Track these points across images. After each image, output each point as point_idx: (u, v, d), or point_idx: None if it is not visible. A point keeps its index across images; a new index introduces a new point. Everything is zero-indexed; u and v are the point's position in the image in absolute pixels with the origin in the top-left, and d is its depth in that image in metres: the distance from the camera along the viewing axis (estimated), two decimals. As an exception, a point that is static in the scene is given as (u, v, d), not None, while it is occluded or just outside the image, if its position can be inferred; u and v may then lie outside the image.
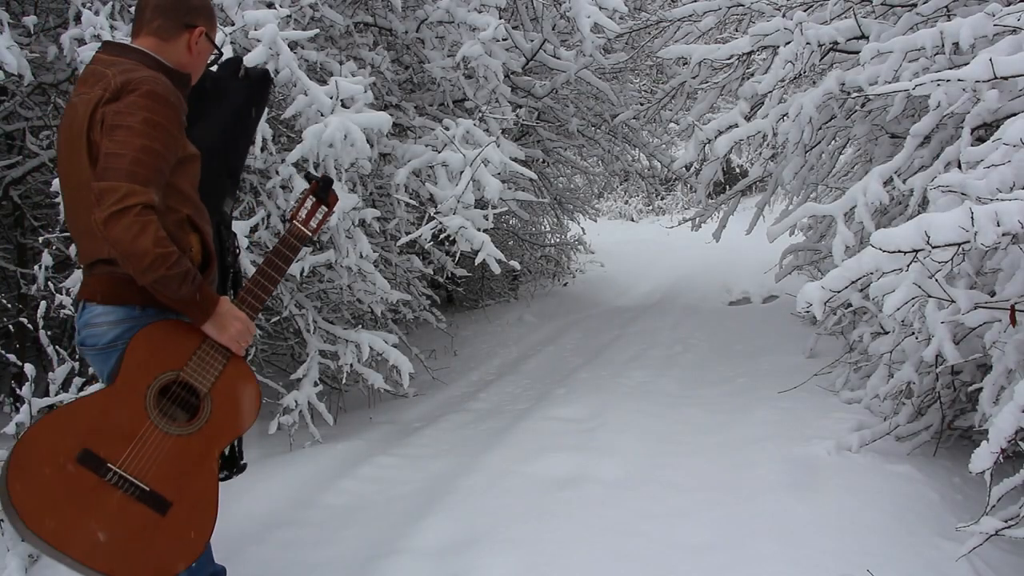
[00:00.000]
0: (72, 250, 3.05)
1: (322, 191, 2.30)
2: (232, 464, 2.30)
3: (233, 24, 3.20)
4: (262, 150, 3.33)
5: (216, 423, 1.99)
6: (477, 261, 3.46)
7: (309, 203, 2.29)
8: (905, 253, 2.02)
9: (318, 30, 3.58)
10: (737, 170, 14.97)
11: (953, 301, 2.41)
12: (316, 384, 3.94)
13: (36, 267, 3.08)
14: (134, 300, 1.95)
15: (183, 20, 2.06)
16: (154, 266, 1.79)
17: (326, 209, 2.31)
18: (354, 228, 3.62)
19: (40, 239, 3.24)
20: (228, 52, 3.06)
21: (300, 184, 3.35)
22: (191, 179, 2.03)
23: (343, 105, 3.27)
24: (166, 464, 1.91)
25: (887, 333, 3.51)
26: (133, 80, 1.88)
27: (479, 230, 3.52)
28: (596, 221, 11.45)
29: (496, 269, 3.50)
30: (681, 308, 8.02)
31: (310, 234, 2.25)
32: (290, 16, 3.50)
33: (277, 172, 3.49)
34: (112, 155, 1.82)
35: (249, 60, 3.11)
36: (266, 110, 3.22)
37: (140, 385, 1.92)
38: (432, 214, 3.56)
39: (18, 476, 1.78)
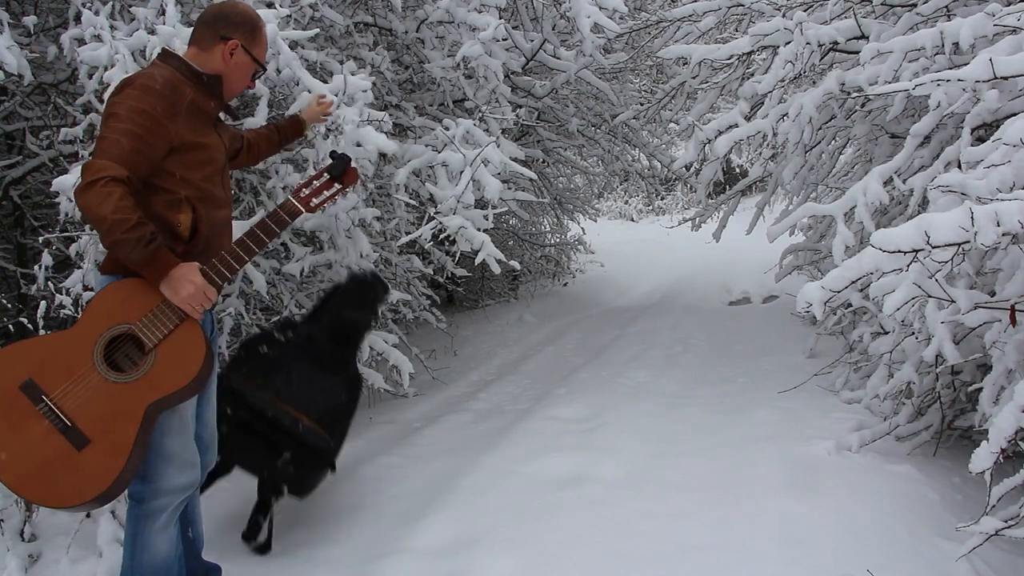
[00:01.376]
0: (72, 249, 3.07)
1: (336, 167, 2.36)
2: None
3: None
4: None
5: (153, 377, 2.09)
6: (477, 261, 3.46)
7: (319, 181, 2.35)
8: (905, 253, 2.02)
9: (318, 30, 3.57)
10: (737, 170, 14.97)
11: (953, 301, 2.41)
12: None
13: (36, 267, 3.08)
14: (118, 270, 2.15)
15: (219, 32, 2.28)
16: (111, 230, 1.96)
17: (339, 186, 2.36)
18: (354, 228, 3.62)
19: (40, 239, 3.24)
20: None
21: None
22: (192, 167, 2.19)
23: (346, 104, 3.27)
24: (95, 406, 2.05)
25: (887, 333, 3.51)
26: (132, 78, 2.13)
27: (479, 230, 3.52)
28: (596, 221, 11.45)
29: (496, 269, 3.50)
30: (681, 308, 8.02)
31: (303, 210, 2.32)
32: (290, 16, 3.50)
33: (276, 172, 3.49)
34: (101, 139, 2.05)
35: None
36: (267, 110, 3.22)
37: (93, 332, 2.08)
38: (432, 214, 3.55)
39: None
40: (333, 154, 2.42)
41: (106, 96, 2.14)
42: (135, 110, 2.05)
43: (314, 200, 2.35)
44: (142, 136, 2.05)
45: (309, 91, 3.17)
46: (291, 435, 2.75)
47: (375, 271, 3.31)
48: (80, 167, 1.99)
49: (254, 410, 2.75)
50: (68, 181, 2.87)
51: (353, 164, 2.45)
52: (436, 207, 3.61)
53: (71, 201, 2.86)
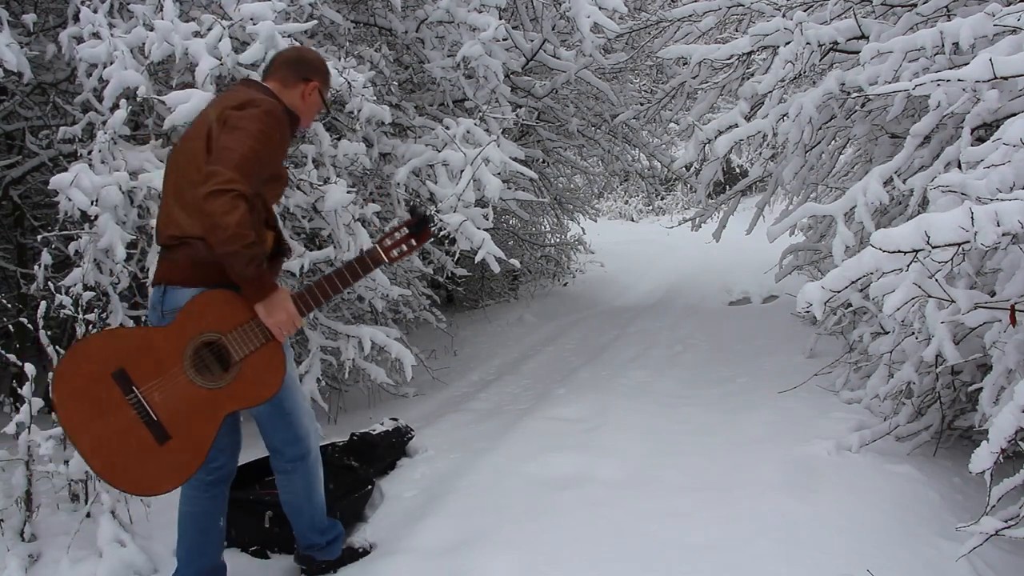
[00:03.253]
0: (71, 248, 3.07)
1: (417, 227, 2.51)
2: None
3: (231, 19, 3.20)
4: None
5: (235, 388, 2.25)
6: (477, 259, 3.46)
7: (400, 233, 2.50)
8: (905, 253, 2.02)
9: (315, 21, 3.57)
10: (737, 170, 14.97)
11: (953, 301, 2.41)
12: (319, 380, 3.94)
13: (36, 266, 3.08)
14: (212, 280, 2.26)
15: (302, 73, 2.49)
16: (231, 240, 2.09)
17: (414, 244, 2.52)
18: (354, 223, 3.62)
19: (39, 237, 3.24)
20: (226, 45, 3.08)
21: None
22: (275, 194, 2.43)
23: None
24: (180, 405, 2.20)
25: (887, 333, 3.51)
26: (257, 99, 2.30)
27: (479, 229, 3.52)
28: (596, 221, 11.44)
29: (496, 267, 3.50)
30: (681, 308, 8.02)
31: (386, 260, 2.49)
32: (289, 15, 3.50)
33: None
34: (227, 148, 2.16)
35: (246, 57, 3.12)
36: None
37: (186, 334, 2.22)
38: (432, 212, 3.56)
39: (66, 366, 2.14)
40: (414, 210, 2.55)
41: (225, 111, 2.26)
42: (264, 133, 2.21)
43: (394, 252, 2.49)
44: (263, 159, 2.21)
45: None
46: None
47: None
48: (208, 171, 2.13)
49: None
50: (66, 179, 2.87)
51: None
52: (437, 206, 3.61)
53: (70, 200, 2.86)
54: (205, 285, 2.26)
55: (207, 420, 2.23)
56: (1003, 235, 1.89)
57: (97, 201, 2.92)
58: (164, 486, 2.22)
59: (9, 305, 3.54)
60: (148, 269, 3.21)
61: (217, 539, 2.51)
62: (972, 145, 2.61)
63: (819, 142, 4.73)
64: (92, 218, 2.96)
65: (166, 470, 2.20)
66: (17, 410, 2.66)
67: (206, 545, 2.48)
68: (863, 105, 4.04)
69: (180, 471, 2.22)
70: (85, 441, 2.16)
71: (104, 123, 3.09)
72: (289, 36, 3.22)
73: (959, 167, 2.73)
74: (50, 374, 2.24)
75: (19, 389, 2.72)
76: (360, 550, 2.77)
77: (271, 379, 2.29)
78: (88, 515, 2.70)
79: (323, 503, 2.65)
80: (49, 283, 3.11)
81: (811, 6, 4.28)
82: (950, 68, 2.77)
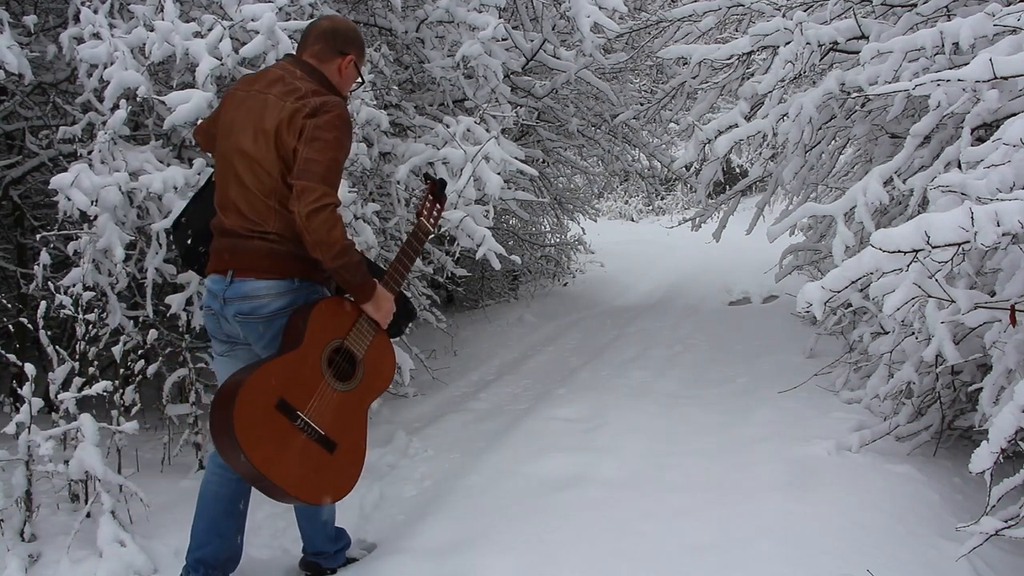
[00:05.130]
0: (70, 248, 3.08)
1: (439, 191, 2.75)
2: None
3: (231, 19, 3.20)
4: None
5: (367, 383, 2.49)
6: (478, 256, 3.46)
7: (429, 202, 2.74)
8: (905, 253, 2.02)
9: (315, 19, 3.57)
10: (737, 170, 14.97)
11: (953, 301, 2.41)
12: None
13: (35, 266, 3.09)
14: (294, 273, 2.38)
15: (339, 47, 2.49)
16: (342, 254, 2.26)
17: (440, 208, 2.77)
18: (355, 221, 3.62)
19: (39, 237, 3.24)
20: (227, 46, 3.07)
21: None
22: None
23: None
24: (335, 414, 2.40)
25: (887, 333, 3.51)
26: (328, 103, 2.33)
27: (479, 226, 3.52)
28: (596, 221, 11.43)
29: (496, 264, 3.50)
30: (681, 308, 8.02)
31: (432, 229, 2.73)
32: (289, 15, 3.50)
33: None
34: (311, 160, 2.25)
35: (247, 50, 3.12)
36: None
37: (317, 349, 2.38)
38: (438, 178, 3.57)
39: (240, 416, 2.25)
40: (428, 177, 2.81)
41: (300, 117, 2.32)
42: (339, 140, 2.30)
43: (431, 220, 2.75)
44: (343, 165, 2.36)
45: None
46: None
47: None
48: (299, 187, 2.23)
49: None
50: (67, 180, 2.87)
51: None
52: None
53: (70, 200, 2.86)
54: (284, 277, 2.37)
55: (357, 417, 2.48)
56: (1003, 235, 1.89)
57: (97, 201, 2.92)
58: (347, 487, 2.48)
59: (9, 305, 3.54)
60: (147, 270, 3.21)
61: (237, 522, 2.55)
62: (972, 145, 2.61)
63: (819, 142, 4.73)
64: (92, 218, 2.96)
65: (343, 472, 2.45)
66: (17, 410, 2.66)
67: (227, 527, 2.52)
68: (863, 105, 4.04)
69: (355, 468, 2.48)
70: (280, 474, 2.30)
71: (104, 123, 3.09)
72: (290, 36, 3.22)
73: (959, 167, 2.73)
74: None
75: (19, 389, 2.71)
76: (358, 559, 2.79)
77: (389, 363, 2.57)
78: (88, 515, 2.70)
79: (335, 512, 2.69)
80: (49, 283, 3.11)
81: (811, 6, 4.28)
82: (950, 68, 2.77)
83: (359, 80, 2.63)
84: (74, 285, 3.00)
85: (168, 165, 3.22)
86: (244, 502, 2.57)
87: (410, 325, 3.32)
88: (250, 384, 2.29)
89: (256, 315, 2.38)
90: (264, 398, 2.29)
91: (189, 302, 3.33)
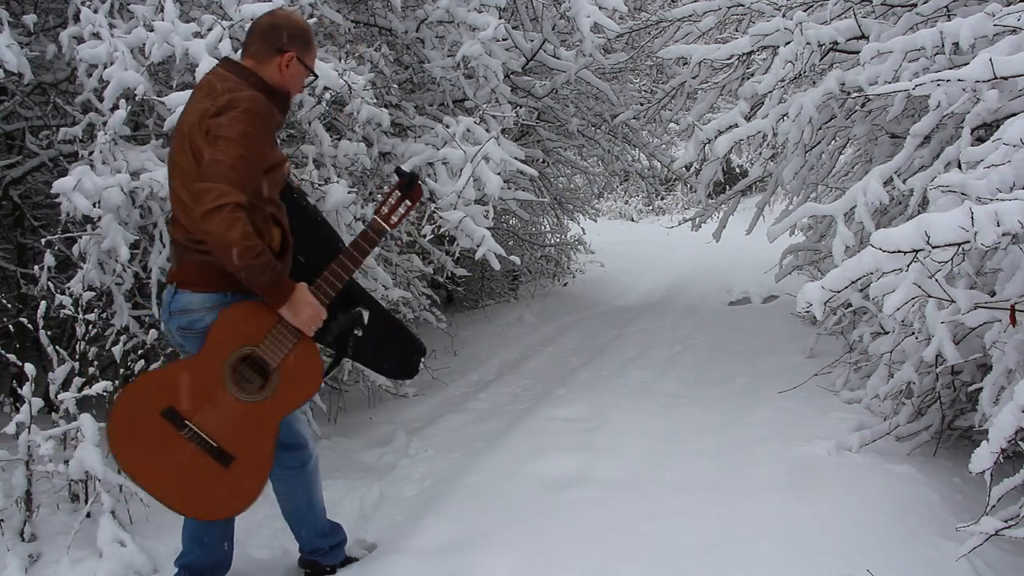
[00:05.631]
0: (75, 250, 3.08)
1: (407, 187, 2.50)
2: None
3: (231, 20, 3.20)
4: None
5: (281, 394, 2.31)
6: (478, 256, 3.46)
7: (394, 198, 2.50)
8: (905, 253, 2.02)
9: (315, 19, 3.58)
10: (737, 170, 14.96)
11: (953, 301, 2.41)
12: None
13: (36, 267, 3.09)
14: (226, 287, 2.27)
15: (277, 45, 2.36)
16: (242, 255, 2.11)
17: (409, 204, 2.52)
18: (355, 223, 3.62)
19: (43, 240, 3.24)
20: (227, 46, 3.07)
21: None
22: (275, 184, 2.34)
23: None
24: (234, 425, 2.27)
25: (887, 333, 3.51)
26: (235, 99, 2.21)
27: (479, 226, 3.52)
28: (596, 221, 11.42)
29: (496, 265, 3.50)
30: (681, 308, 8.02)
31: (388, 228, 2.48)
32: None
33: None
34: (213, 161, 2.15)
35: None
36: None
37: (220, 356, 2.26)
38: (432, 210, 3.56)
39: (118, 419, 2.21)
40: (400, 171, 2.54)
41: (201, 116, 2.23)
42: (246, 135, 2.17)
43: (393, 217, 2.50)
44: (252, 161, 2.19)
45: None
46: None
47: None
48: (198, 189, 2.14)
49: None
50: (69, 183, 2.87)
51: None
52: (436, 203, 3.61)
53: (71, 202, 2.86)
54: (216, 291, 2.28)
55: (264, 431, 2.31)
56: (1003, 235, 1.89)
57: (99, 203, 2.92)
58: (243, 503, 2.33)
59: (9, 305, 3.54)
60: (151, 269, 3.22)
61: (220, 530, 2.52)
62: (972, 145, 2.61)
63: (819, 142, 4.73)
64: (95, 219, 2.96)
65: (240, 488, 2.30)
66: (17, 410, 2.66)
67: (208, 535, 2.49)
68: (863, 105, 4.04)
69: (255, 484, 2.32)
70: (155, 484, 2.25)
71: (104, 124, 3.09)
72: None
73: (959, 167, 2.73)
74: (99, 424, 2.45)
75: (19, 389, 2.71)
76: (359, 558, 2.77)
77: (312, 374, 2.35)
78: (88, 515, 2.70)
79: (324, 508, 2.65)
80: (50, 284, 3.11)
81: (811, 6, 4.28)
82: (950, 68, 2.77)
83: (310, 76, 2.50)
84: (76, 285, 3.00)
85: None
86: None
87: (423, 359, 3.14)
88: (133, 388, 2.27)
89: (192, 329, 2.32)
90: (147, 404, 2.22)
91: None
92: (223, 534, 2.53)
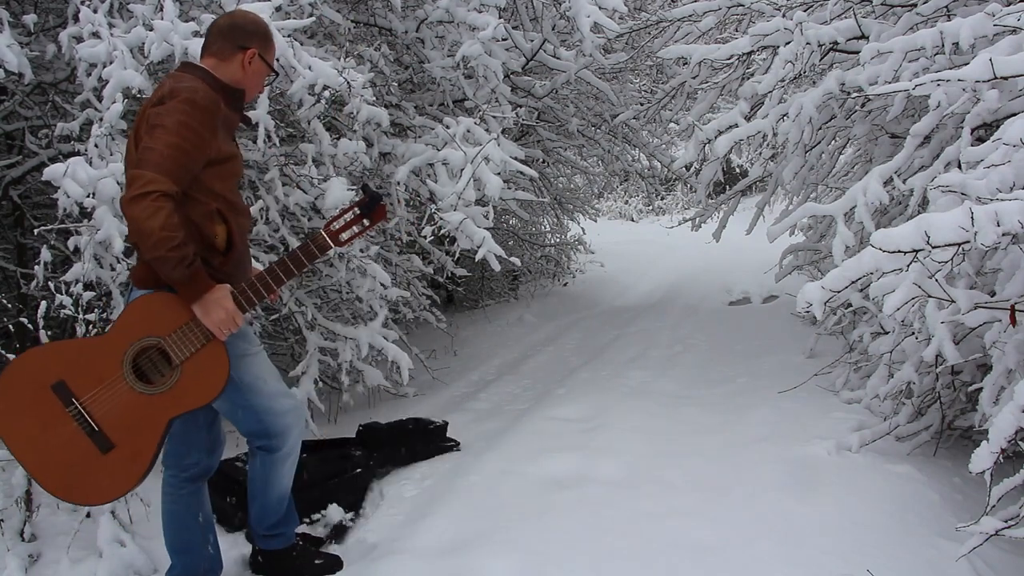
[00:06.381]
0: (71, 243, 3.10)
1: (368, 206, 2.41)
2: None
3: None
4: (266, 142, 3.34)
5: (177, 392, 2.22)
6: (478, 257, 3.46)
7: (351, 215, 2.40)
8: (905, 253, 2.02)
9: (313, 18, 3.58)
10: (737, 170, 14.96)
11: (953, 301, 2.41)
12: (316, 382, 3.94)
13: (35, 265, 3.09)
14: (150, 284, 2.25)
15: (237, 42, 2.36)
16: (156, 246, 2.05)
17: (366, 224, 2.42)
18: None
19: (36, 231, 3.24)
20: None
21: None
22: (223, 178, 2.30)
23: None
24: (121, 413, 2.19)
25: (887, 333, 3.51)
26: (176, 89, 2.19)
27: (479, 227, 3.52)
28: (596, 221, 11.43)
29: (496, 266, 3.50)
30: (681, 308, 8.02)
31: (333, 245, 2.39)
32: (288, 14, 3.50)
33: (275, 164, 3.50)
34: (146, 148, 2.11)
35: None
36: (268, 103, 3.24)
37: (125, 341, 2.20)
38: (433, 211, 3.56)
39: (4, 383, 2.16)
40: (365, 188, 2.46)
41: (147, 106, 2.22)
42: (182, 124, 2.13)
43: (343, 235, 2.41)
44: (188, 151, 2.14)
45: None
46: None
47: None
48: (129, 176, 2.11)
49: None
50: (60, 170, 2.88)
51: (384, 203, 2.49)
52: (436, 204, 3.61)
53: (68, 196, 2.87)
54: (144, 287, 2.26)
55: (150, 426, 2.21)
56: (1003, 235, 1.89)
57: (94, 194, 2.92)
58: (110, 494, 2.23)
59: (9, 305, 3.54)
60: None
61: (200, 536, 2.50)
62: (972, 145, 2.61)
63: (819, 142, 4.73)
64: (90, 211, 2.96)
65: (112, 479, 2.20)
66: (17, 410, 2.65)
67: (188, 542, 2.48)
68: (863, 105, 4.04)
69: (126, 479, 2.21)
70: (30, 456, 2.17)
71: (101, 119, 3.09)
72: (289, 35, 3.22)
73: (959, 167, 2.73)
74: None
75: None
76: (325, 563, 2.72)
77: (214, 379, 2.24)
78: (88, 515, 2.70)
79: (282, 498, 2.61)
80: (49, 282, 3.11)
81: (811, 6, 4.28)
82: (950, 68, 2.77)
83: (271, 74, 2.49)
84: (75, 284, 3.00)
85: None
86: (203, 514, 2.52)
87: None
88: (29, 355, 2.21)
89: None
90: (41, 373, 2.17)
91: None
92: (204, 538, 2.51)
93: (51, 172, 2.88)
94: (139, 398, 2.20)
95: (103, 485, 2.20)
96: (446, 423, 3.90)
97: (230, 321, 2.23)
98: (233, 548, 2.91)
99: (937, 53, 3.06)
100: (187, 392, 2.22)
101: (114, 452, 2.19)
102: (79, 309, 2.97)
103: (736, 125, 4.04)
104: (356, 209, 2.41)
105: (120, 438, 2.19)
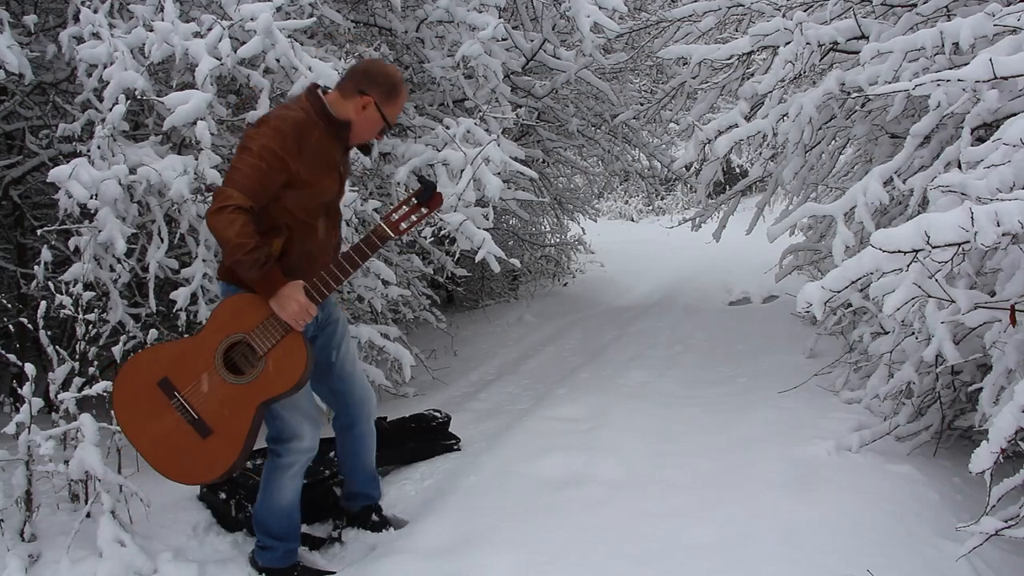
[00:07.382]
0: (71, 243, 3.11)
1: (424, 194, 2.59)
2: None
3: (231, 19, 3.20)
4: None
5: (263, 381, 2.48)
6: (478, 259, 3.46)
7: (408, 205, 2.59)
8: (905, 253, 2.02)
9: (314, 18, 3.58)
10: (737, 170, 14.95)
11: (953, 301, 2.41)
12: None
13: (35, 265, 3.09)
14: (231, 279, 2.55)
15: (359, 86, 2.55)
16: (234, 251, 2.34)
17: (425, 211, 2.61)
18: (354, 219, 3.62)
19: (38, 231, 3.25)
20: (226, 46, 3.07)
21: None
22: (299, 200, 2.51)
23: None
24: (217, 402, 2.48)
25: (887, 333, 3.51)
26: (271, 115, 2.48)
27: (479, 228, 3.52)
28: (596, 221, 11.44)
29: (496, 267, 3.50)
30: (681, 308, 8.02)
31: (393, 236, 2.59)
32: (288, 14, 3.50)
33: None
34: (233, 168, 2.41)
35: (245, 50, 3.13)
36: (268, 102, 3.24)
37: (216, 338, 2.49)
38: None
39: (120, 382, 2.52)
40: (422, 179, 2.65)
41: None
42: (265, 148, 2.38)
43: (403, 224, 2.59)
44: (267, 172, 2.40)
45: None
46: None
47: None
48: (215, 191, 2.40)
49: None
50: (65, 172, 2.89)
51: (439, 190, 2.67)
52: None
53: (70, 197, 2.88)
54: (234, 281, 2.53)
55: (242, 413, 2.48)
56: (1003, 235, 1.89)
57: (97, 196, 2.92)
58: (213, 473, 2.52)
59: (9, 305, 3.54)
60: (149, 266, 3.22)
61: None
62: (972, 145, 2.61)
63: (819, 142, 4.73)
64: (92, 212, 2.97)
65: (213, 459, 2.48)
66: (17, 410, 2.66)
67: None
68: (863, 105, 4.04)
69: (225, 459, 2.49)
70: (144, 442, 2.50)
71: (103, 120, 3.09)
72: (289, 36, 3.22)
73: (959, 167, 2.73)
74: (102, 385, 2.74)
75: (19, 389, 2.71)
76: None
77: (294, 367, 2.48)
78: (88, 515, 2.70)
79: (284, 511, 2.70)
80: (49, 282, 3.11)
81: (811, 6, 4.28)
82: (950, 68, 2.77)
83: (383, 127, 2.61)
84: (75, 284, 3.00)
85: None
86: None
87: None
88: (138, 357, 2.55)
89: None
90: (148, 373, 2.49)
91: (194, 298, 3.32)
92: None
93: (56, 174, 2.88)
94: (231, 388, 2.47)
95: (206, 465, 2.49)
96: (449, 417, 3.90)
97: (303, 313, 2.44)
98: (233, 548, 2.92)
99: (937, 53, 3.06)
100: (272, 380, 2.48)
101: (213, 437, 2.47)
102: (79, 309, 2.97)
103: (736, 125, 4.04)
104: (413, 199, 2.59)
105: (217, 424, 2.48)
